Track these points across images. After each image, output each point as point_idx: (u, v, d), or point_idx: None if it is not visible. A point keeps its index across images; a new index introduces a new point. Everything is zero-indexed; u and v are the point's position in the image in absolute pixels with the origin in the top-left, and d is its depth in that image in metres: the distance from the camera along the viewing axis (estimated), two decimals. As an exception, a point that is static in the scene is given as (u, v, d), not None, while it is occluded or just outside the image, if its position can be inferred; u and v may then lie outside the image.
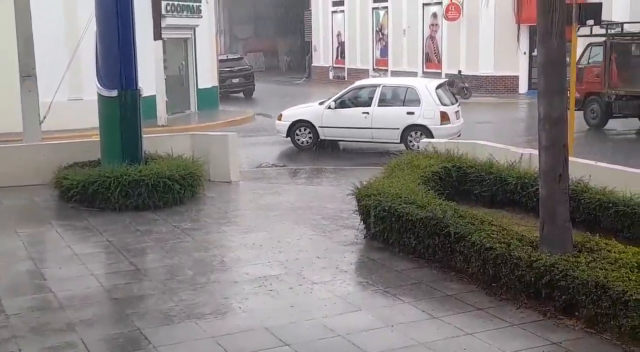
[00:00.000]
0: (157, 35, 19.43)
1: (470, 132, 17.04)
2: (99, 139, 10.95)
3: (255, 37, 49.39)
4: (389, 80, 19.05)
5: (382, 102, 15.84)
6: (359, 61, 36.64)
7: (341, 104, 16.12)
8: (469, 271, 6.87)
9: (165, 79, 20.30)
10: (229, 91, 28.95)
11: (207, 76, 24.15)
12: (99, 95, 10.65)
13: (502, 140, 13.53)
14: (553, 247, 6.36)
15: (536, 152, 7.05)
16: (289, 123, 16.42)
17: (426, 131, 15.27)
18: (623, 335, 5.42)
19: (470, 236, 6.84)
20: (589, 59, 19.68)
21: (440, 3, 30.42)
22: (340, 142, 16.79)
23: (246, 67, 31.45)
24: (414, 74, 31.99)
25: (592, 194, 8.43)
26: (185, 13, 22.73)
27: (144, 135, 10.94)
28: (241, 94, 30.29)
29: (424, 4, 31.84)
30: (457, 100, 16.59)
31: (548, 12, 6.41)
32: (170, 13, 21.67)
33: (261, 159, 15.26)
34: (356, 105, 16.07)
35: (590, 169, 9.07)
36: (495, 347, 5.42)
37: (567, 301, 5.89)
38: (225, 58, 31.44)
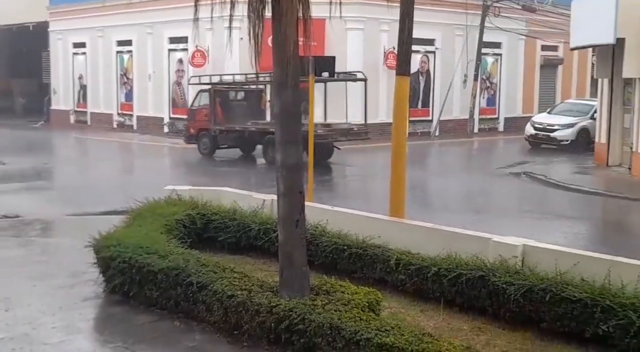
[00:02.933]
0: None
1: (216, 179, 17.19)
2: None
3: (-15, 77, 45.89)
4: None
5: None
6: (103, 105, 35.53)
7: None
8: (211, 320, 6.80)
9: None
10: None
11: None
12: None
13: (247, 186, 13.77)
14: (292, 292, 6.52)
15: (276, 198, 7.22)
16: None
17: None
18: (356, 374, 5.66)
19: (212, 285, 6.80)
20: (199, 102, 24.37)
21: (186, 49, 30.62)
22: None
23: None
24: (160, 120, 31.75)
25: (329, 238, 8.82)
26: None
27: None
28: (-33, 138, 27.89)
29: (169, 50, 31.84)
30: None
31: (283, 64, 6.64)
32: None
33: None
34: None
35: (327, 214, 9.51)
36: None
37: (305, 344, 6.04)
38: None
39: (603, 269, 6.69)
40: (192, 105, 24.96)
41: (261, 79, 21.23)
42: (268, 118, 24.02)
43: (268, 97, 24.19)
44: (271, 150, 20.28)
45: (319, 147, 19.76)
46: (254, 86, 24.08)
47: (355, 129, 21.89)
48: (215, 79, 23.90)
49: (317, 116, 22.24)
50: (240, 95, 24.82)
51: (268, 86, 23.51)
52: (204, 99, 23.94)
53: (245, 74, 22.31)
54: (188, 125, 24.80)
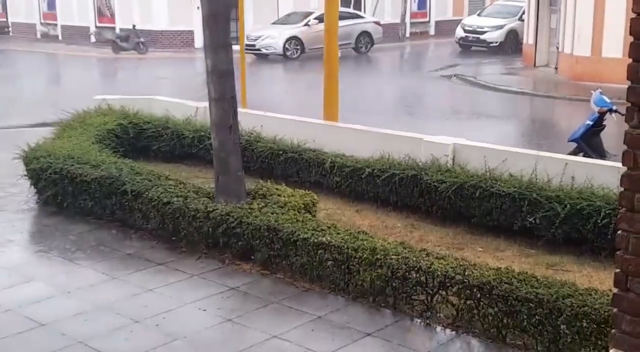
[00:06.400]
0: None
1: (149, 87, 16.78)
2: None
3: None
4: None
5: None
6: (23, 15, 33.89)
7: None
8: (148, 228, 6.82)
9: None
10: None
11: None
12: None
13: (181, 94, 13.50)
14: (228, 197, 6.55)
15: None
16: None
17: None
18: (294, 273, 5.81)
19: (147, 192, 6.77)
20: None
21: (109, -46, 29.26)
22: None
23: None
24: (87, 29, 30.57)
25: (264, 143, 8.85)
26: None
27: None
28: None
29: (91, -46, 30.39)
30: None
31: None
32: None
33: None
34: None
35: (261, 120, 9.48)
36: (176, 300, 5.47)
37: (243, 247, 6.13)
38: None
39: (530, 164, 6.93)
40: None
41: None
42: None
43: None
44: None
45: None
46: None
47: None
48: None
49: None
50: None
51: None
52: None
53: None
54: None
